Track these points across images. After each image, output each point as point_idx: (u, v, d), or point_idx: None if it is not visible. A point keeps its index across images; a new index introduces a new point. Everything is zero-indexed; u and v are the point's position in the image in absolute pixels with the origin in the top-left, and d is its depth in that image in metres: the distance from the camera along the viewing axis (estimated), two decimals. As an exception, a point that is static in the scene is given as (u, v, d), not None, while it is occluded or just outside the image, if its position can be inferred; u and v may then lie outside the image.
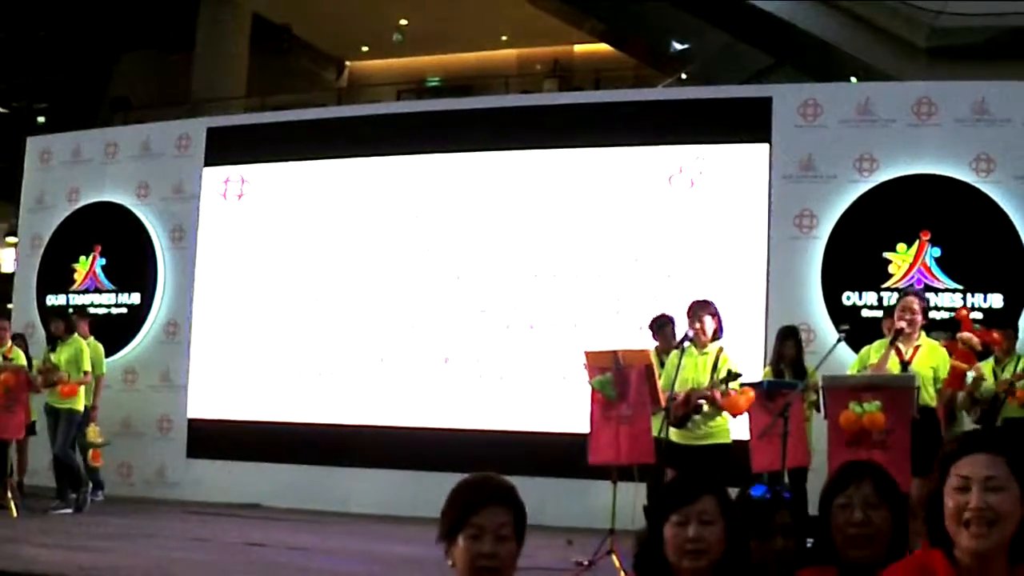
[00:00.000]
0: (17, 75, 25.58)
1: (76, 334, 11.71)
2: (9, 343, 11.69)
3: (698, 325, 8.55)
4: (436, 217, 12.67)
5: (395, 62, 25.18)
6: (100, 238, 14.17)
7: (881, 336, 8.57)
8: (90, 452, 11.75)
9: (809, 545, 3.49)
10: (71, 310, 13.04)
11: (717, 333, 8.67)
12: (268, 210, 13.41)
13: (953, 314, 10.48)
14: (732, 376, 8.31)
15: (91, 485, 11.72)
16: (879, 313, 10.61)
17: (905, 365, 7.85)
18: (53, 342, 11.71)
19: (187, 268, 13.67)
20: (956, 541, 2.67)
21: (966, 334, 8.88)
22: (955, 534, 2.67)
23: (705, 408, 8.44)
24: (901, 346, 7.91)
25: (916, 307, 7.95)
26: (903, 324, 7.88)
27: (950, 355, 8.50)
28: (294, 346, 12.99)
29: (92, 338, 12.17)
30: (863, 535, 3.24)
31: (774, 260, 11.42)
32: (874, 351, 8.10)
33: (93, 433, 11.78)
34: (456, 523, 2.83)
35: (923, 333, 8.03)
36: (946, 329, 9.77)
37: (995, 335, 9.09)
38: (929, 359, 7.92)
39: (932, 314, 10.50)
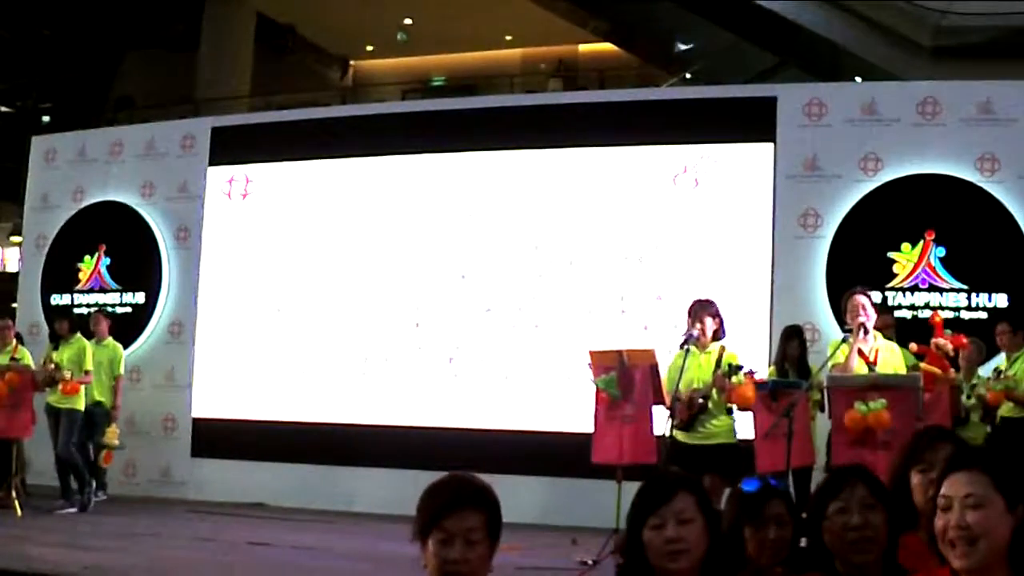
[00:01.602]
0: (21, 74, 25.58)
1: (79, 333, 11.70)
2: (14, 343, 11.70)
3: (699, 324, 8.55)
4: (441, 217, 12.67)
5: (400, 61, 25.16)
6: (105, 237, 14.18)
7: (884, 335, 8.59)
8: (103, 453, 11.72)
9: (803, 545, 3.48)
10: (94, 309, 13.02)
11: (718, 333, 8.67)
12: (273, 210, 13.42)
13: (958, 315, 10.51)
14: (734, 369, 8.31)
15: (94, 484, 11.74)
16: (883, 313, 10.61)
17: (871, 367, 7.88)
18: (56, 341, 11.70)
19: (192, 268, 13.68)
20: (948, 560, 2.69)
21: (940, 340, 8.89)
22: (945, 553, 2.69)
23: (711, 405, 8.43)
24: (863, 347, 7.94)
25: (867, 303, 8.01)
26: (863, 319, 7.93)
27: (921, 359, 8.53)
28: (299, 345, 12.99)
29: (111, 338, 12.14)
30: (863, 538, 3.22)
31: (779, 260, 11.40)
32: (833, 348, 8.16)
33: (112, 434, 11.75)
34: (425, 527, 2.81)
35: (879, 333, 8.09)
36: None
37: (963, 339, 9.09)
38: (890, 360, 7.97)
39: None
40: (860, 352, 7.93)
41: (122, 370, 12.19)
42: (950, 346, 8.74)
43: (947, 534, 2.67)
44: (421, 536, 2.83)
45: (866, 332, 8.01)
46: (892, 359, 8.03)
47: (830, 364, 8.07)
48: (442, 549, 2.78)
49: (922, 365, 8.35)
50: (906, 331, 9.68)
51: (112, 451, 11.81)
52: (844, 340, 8.20)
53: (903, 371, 8.05)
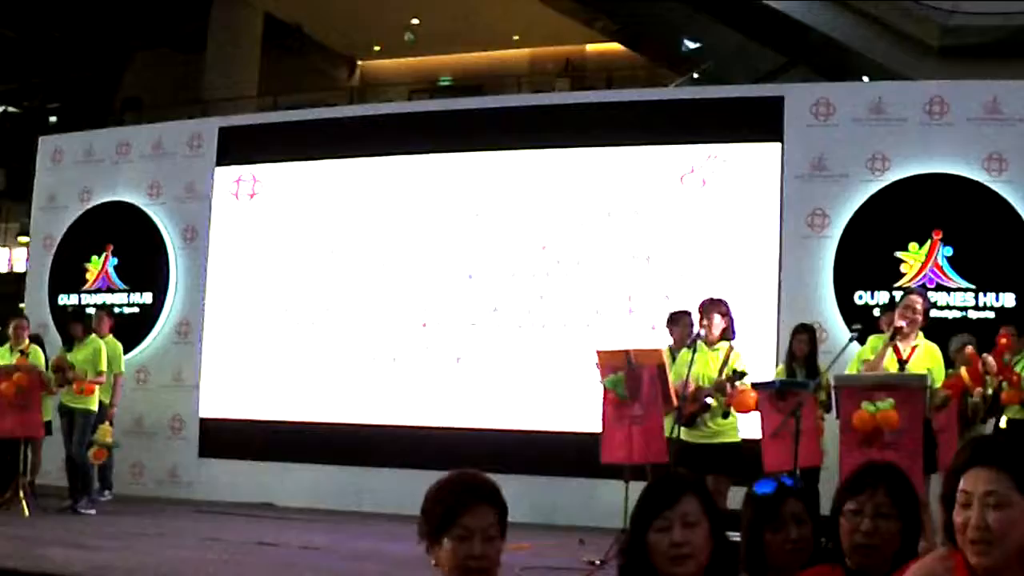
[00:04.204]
0: (29, 75, 25.66)
1: (93, 334, 11.69)
2: (27, 341, 11.69)
3: (706, 322, 8.58)
4: (448, 216, 12.67)
5: (407, 61, 25.22)
6: (112, 238, 14.19)
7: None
8: (94, 449, 11.57)
9: (824, 544, 3.45)
10: (94, 308, 13.02)
11: (727, 332, 8.68)
12: (280, 210, 13.43)
13: (966, 314, 10.53)
14: (737, 375, 8.32)
15: (98, 485, 11.74)
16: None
17: (903, 364, 7.85)
18: (69, 342, 11.67)
19: (199, 268, 13.69)
20: (965, 555, 2.62)
21: (991, 359, 8.89)
22: (962, 547, 2.62)
23: (713, 404, 8.45)
24: (900, 345, 7.91)
25: (919, 307, 7.96)
26: (903, 323, 7.88)
27: (951, 364, 8.51)
28: (306, 345, 13.00)
29: (111, 336, 12.13)
30: (870, 544, 3.20)
31: (786, 259, 11.40)
32: (870, 349, 8.11)
33: (104, 432, 11.69)
34: (442, 524, 2.80)
35: (921, 333, 8.03)
36: (959, 330, 9.75)
37: (1007, 371, 9.07)
38: (926, 360, 7.92)
39: (943, 313, 10.55)
40: (896, 349, 7.88)
41: (122, 367, 12.18)
42: (995, 368, 8.78)
43: (965, 531, 2.59)
44: (434, 535, 2.81)
45: (904, 334, 7.95)
46: (926, 359, 7.96)
47: (860, 360, 8.06)
48: (462, 546, 2.76)
49: (962, 371, 8.32)
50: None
51: (104, 449, 11.69)
52: (849, 339, 8.22)
53: (940, 371, 7.98)
